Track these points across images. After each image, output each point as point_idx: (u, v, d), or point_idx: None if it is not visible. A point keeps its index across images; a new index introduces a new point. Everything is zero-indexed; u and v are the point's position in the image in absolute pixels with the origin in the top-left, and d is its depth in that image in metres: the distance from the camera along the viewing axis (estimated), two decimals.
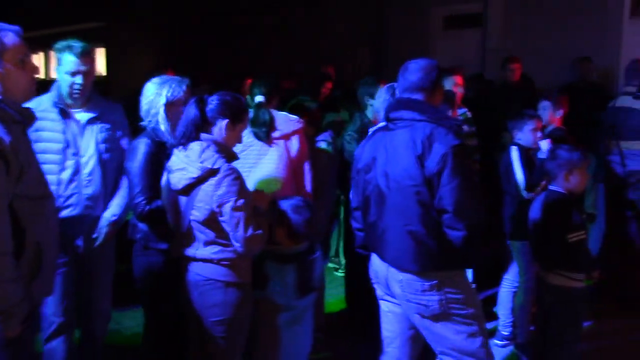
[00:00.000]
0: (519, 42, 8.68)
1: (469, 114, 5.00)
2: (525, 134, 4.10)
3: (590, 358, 4.12)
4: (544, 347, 3.47)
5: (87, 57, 3.21)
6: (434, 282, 2.72)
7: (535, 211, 3.50)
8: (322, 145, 4.07)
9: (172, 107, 3.12)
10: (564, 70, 7.98)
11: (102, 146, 3.34)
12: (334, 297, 5.22)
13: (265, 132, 3.50)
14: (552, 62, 8.25)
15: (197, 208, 2.77)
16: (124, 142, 3.43)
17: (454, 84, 4.77)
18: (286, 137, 3.55)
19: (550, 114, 4.55)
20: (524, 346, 4.13)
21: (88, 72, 3.23)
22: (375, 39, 11.14)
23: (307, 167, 3.64)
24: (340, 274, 5.78)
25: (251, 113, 3.50)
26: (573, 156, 3.41)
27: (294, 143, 3.57)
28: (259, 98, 3.63)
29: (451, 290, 2.75)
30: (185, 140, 2.80)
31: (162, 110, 3.14)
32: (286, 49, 11.43)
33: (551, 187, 3.51)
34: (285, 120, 3.59)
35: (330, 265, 6.06)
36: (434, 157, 2.60)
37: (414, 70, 2.82)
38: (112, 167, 3.37)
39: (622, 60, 6.75)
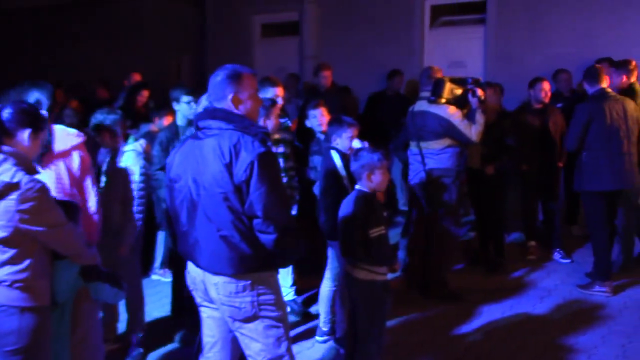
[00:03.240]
0: (334, 50, 9.10)
1: (289, 123, 5.14)
2: (343, 141, 4.27)
3: (396, 347, 4.44)
4: (355, 340, 3.67)
5: None
6: (247, 282, 2.78)
7: (342, 210, 3.69)
8: (131, 155, 3.97)
9: None
10: (375, 78, 8.49)
11: None
12: (159, 309, 5.14)
13: (41, 155, 3.24)
14: (363, 71, 8.76)
15: None
16: None
17: (274, 94, 4.87)
18: (65, 154, 3.27)
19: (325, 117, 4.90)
20: (342, 340, 4.32)
21: None
22: (197, 46, 11.08)
23: (89, 183, 3.40)
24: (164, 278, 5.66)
25: None
26: (373, 157, 3.63)
27: (75, 159, 3.31)
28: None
29: (263, 291, 2.82)
30: None
31: None
32: (101, 56, 11.01)
33: (356, 187, 3.71)
34: (63, 136, 3.31)
35: (154, 277, 5.92)
36: (241, 166, 2.66)
37: (216, 80, 2.84)
38: None
39: None
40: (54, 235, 2.73)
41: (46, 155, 3.24)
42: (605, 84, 5.38)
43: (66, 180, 3.30)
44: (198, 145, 2.82)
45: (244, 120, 2.80)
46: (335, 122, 4.35)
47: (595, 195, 5.40)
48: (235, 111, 2.82)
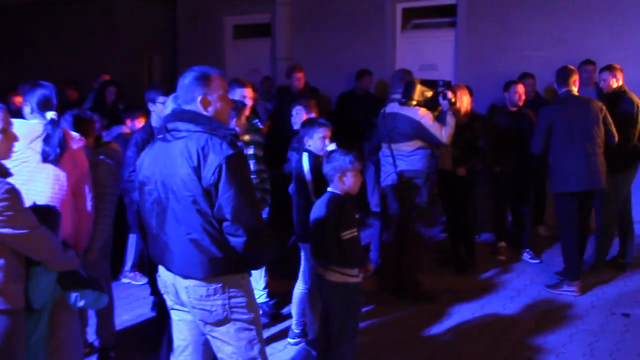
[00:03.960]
0: (306, 52, 9.11)
1: (260, 125, 5.11)
2: (315, 142, 4.22)
3: (369, 348, 4.46)
4: (327, 342, 3.67)
5: None
6: (219, 285, 2.77)
7: (314, 212, 3.68)
8: (101, 156, 3.92)
9: None
10: (347, 80, 8.52)
11: None
12: (129, 313, 5.08)
13: (60, 155, 3.27)
14: (335, 72, 8.78)
15: None
16: None
17: (242, 95, 4.85)
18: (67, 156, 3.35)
19: (304, 116, 4.81)
20: (314, 342, 4.32)
21: None
22: (167, 47, 11.01)
23: (86, 187, 3.48)
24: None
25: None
26: (345, 159, 3.63)
27: (73, 161, 3.38)
28: (51, 114, 3.36)
29: (235, 294, 2.81)
30: None
31: None
32: (70, 56, 10.87)
33: (329, 189, 3.71)
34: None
35: (125, 280, 5.86)
36: (209, 169, 2.63)
37: (187, 80, 2.81)
38: None
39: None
40: (22, 239, 2.68)
41: (63, 154, 3.25)
42: (573, 86, 5.44)
43: (64, 181, 3.29)
44: (166, 148, 2.79)
45: (213, 122, 2.77)
46: (307, 123, 4.34)
47: (564, 197, 5.48)
48: (204, 113, 2.79)
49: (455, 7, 8.28)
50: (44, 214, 2.87)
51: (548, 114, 5.48)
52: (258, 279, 4.94)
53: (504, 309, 5.16)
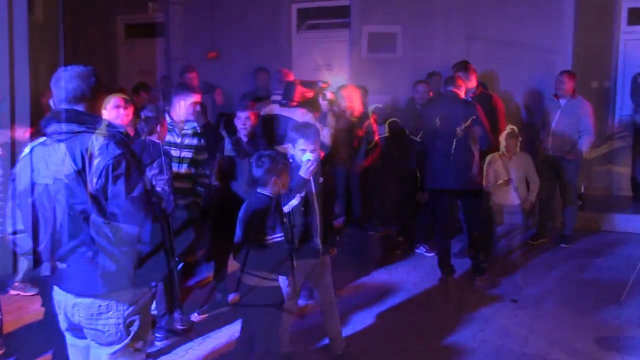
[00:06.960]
0: (202, 52, 8.98)
1: (198, 129, 4.90)
2: (295, 151, 3.94)
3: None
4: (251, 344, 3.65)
5: None
6: (110, 302, 2.59)
7: (241, 215, 3.60)
8: None
9: None
10: (244, 80, 8.49)
11: None
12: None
13: None
14: (232, 72, 8.72)
15: None
16: None
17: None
18: None
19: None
20: None
21: None
22: (54, 49, 10.49)
23: None
24: None
25: None
26: (279, 162, 3.59)
27: None
28: None
29: (129, 311, 2.63)
30: None
31: None
32: None
33: (258, 191, 3.59)
34: None
35: (13, 292, 5.54)
36: (95, 171, 2.46)
37: (69, 79, 2.59)
38: None
39: (293, 70, 7.42)
40: None
41: None
42: (454, 87, 5.51)
43: None
44: (48, 153, 2.57)
45: (97, 120, 2.60)
46: (293, 129, 4.06)
47: (433, 193, 5.73)
48: (91, 112, 2.61)
49: (348, 8, 8.43)
50: None
51: (424, 111, 5.74)
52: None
53: (401, 301, 5.32)
